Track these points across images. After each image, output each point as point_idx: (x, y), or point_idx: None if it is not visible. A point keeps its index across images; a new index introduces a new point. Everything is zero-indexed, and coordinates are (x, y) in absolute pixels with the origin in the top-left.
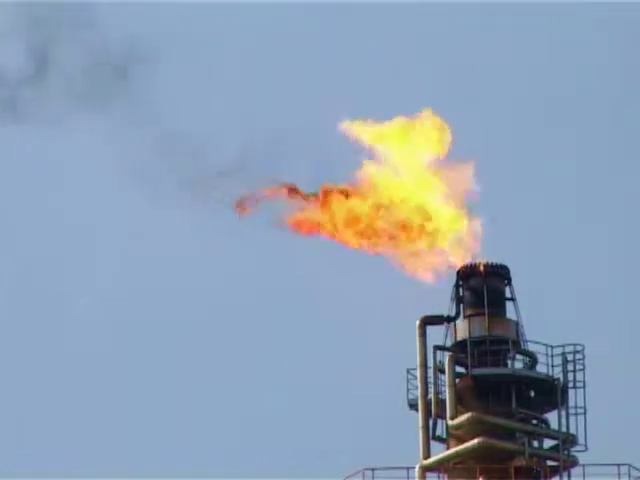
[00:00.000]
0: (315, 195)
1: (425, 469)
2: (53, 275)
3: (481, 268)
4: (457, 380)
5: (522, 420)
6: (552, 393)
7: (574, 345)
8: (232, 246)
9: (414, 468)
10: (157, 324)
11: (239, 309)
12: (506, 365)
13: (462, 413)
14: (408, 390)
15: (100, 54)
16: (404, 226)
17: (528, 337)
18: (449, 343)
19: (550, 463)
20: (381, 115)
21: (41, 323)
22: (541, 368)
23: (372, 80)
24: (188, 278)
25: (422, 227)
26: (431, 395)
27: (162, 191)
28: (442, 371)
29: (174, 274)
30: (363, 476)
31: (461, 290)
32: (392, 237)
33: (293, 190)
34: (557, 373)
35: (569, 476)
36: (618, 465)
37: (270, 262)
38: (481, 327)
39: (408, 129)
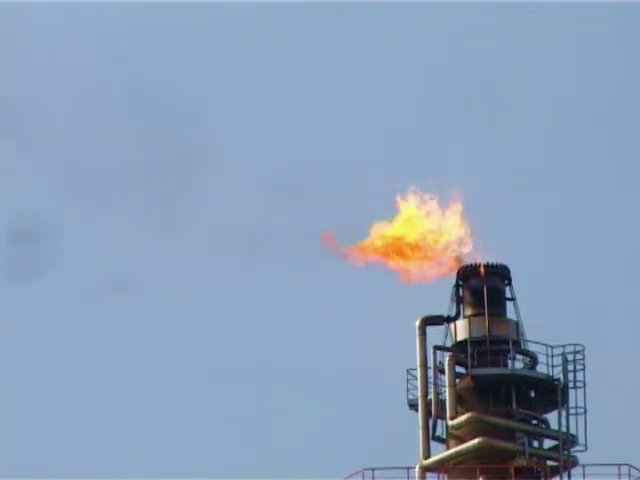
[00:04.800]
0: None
1: (425, 469)
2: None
3: (481, 268)
4: (457, 380)
5: (522, 420)
6: (552, 393)
7: (574, 345)
8: None
9: (414, 468)
10: (155, 324)
11: (237, 306)
12: (506, 365)
13: (462, 413)
14: (408, 390)
15: None
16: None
17: (528, 337)
18: (449, 343)
19: (550, 463)
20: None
21: (49, 330)
22: (541, 368)
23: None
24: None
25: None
26: (431, 395)
27: None
28: (442, 371)
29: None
30: (363, 476)
31: (461, 290)
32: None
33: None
34: (557, 373)
35: (569, 476)
36: (618, 465)
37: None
38: (481, 327)
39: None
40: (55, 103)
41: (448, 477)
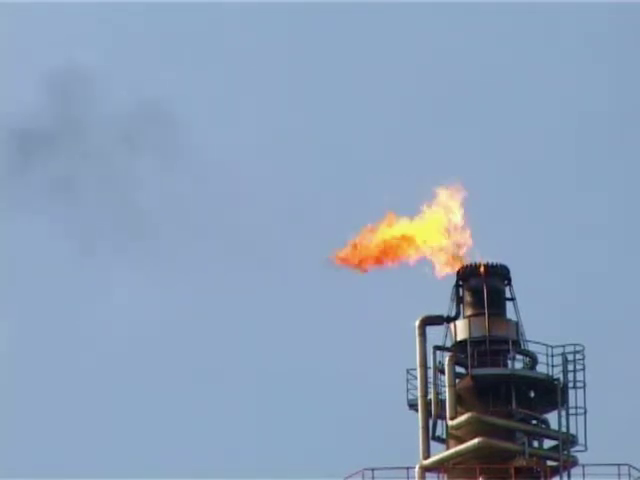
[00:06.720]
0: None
1: (425, 469)
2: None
3: (481, 268)
4: (457, 380)
5: (522, 420)
6: (552, 393)
7: (574, 345)
8: None
9: (414, 468)
10: (154, 323)
11: (238, 306)
12: (506, 365)
13: (462, 413)
14: (408, 390)
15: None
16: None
17: (528, 337)
18: (449, 343)
19: (550, 463)
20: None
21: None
22: (541, 368)
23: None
24: None
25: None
26: (431, 395)
27: None
28: (442, 371)
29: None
30: (363, 476)
31: (461, 290)
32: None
33: None
34: (557, 373)
35: (569, 476)
36: (618, 465)
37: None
38: (481, 327)
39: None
40: None
41: (448, 477)
